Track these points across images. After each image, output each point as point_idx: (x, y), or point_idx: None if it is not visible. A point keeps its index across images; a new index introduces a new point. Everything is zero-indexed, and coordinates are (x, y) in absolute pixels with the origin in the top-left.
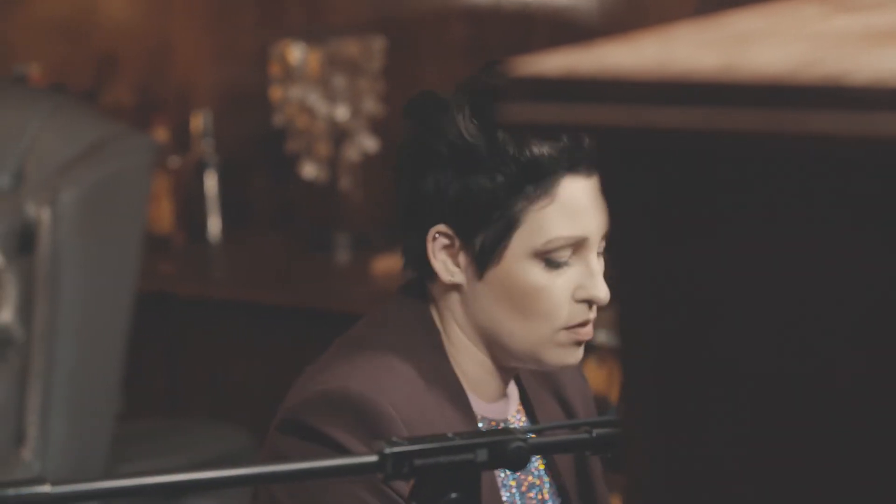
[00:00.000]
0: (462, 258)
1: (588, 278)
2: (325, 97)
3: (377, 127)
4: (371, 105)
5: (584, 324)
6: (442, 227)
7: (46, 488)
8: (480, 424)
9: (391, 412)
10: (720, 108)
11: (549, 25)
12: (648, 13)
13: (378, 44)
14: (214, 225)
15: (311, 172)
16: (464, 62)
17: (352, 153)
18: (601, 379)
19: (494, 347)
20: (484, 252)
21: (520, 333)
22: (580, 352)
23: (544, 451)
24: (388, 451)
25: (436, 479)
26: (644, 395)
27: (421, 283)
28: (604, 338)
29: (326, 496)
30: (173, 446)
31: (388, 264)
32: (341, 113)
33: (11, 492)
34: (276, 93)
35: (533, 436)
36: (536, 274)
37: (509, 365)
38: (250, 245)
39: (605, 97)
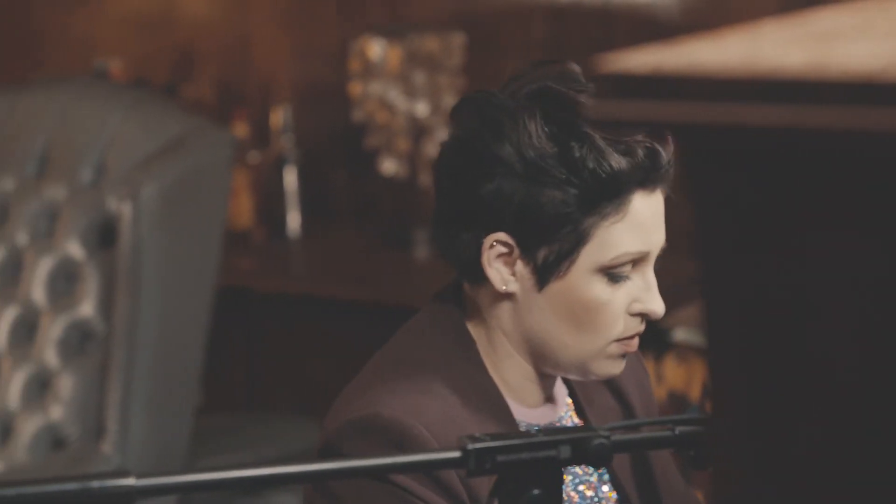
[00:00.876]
0: (520, 268)
1: (645, 292)
2: (405, 93)
3: None
4: (451, 101)
5: (634, 336)
6: (501, 236)
7: (131, 481)
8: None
9: (425, 435)
10: (808, 106)
11: (629, 22)
12: (729, 10)
13: (458, 40)
14: (294, 220)
15: (390, 168)
16: (544, 58)
17: (431, 149)
18: (680, 377)
19: (540, 357)
20: (548, 266)
21: (572, 345)
22: (624, 362)
23: (627, 448)
24: (470, 447)
25: (518, 476)
26: (733, 394)
27: (456, 290)
28: (683, 336)
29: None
30: (251, 441)
31: None
32: (421, 109)
33: (96, 484)
34: (355, 88)
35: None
36: (599, 289)
37: (552, 374)
38: (329, 241)
39: (691, 94)
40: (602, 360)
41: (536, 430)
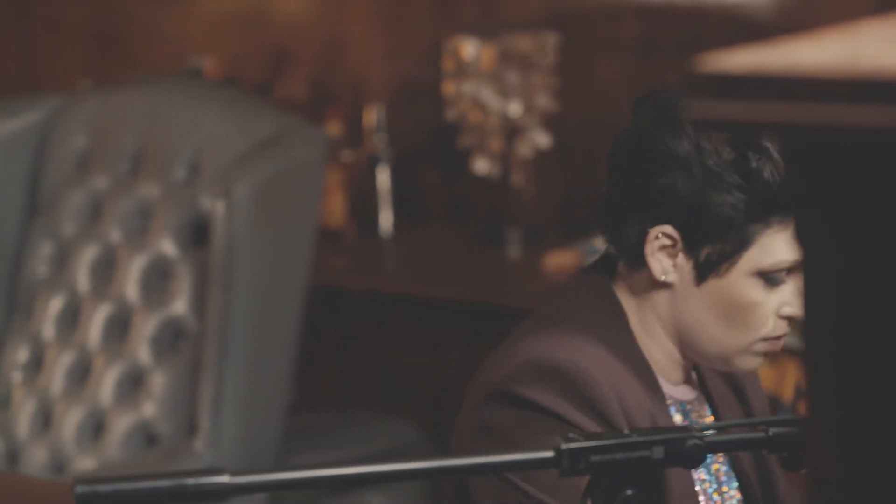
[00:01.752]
0: (681, 261)
1: (795, 296)
2: (498, 93)
3: (550, 123)
4: (544, 101)
5: (780, 337)
6: (668, 229)
7: (225, 478)
8: (670, 404)
9: (600, 377)
10: None
11: (721, 22)
12: (822, 9)
13: (551, 39)
14: (386, 219)
15: (483, 168)
16: (636, 59)
17: (524, 149)
18: (772, 378)
19: (688, 345)
20: (709, 264)
21: (721, 340)
22: (762, 360)
23: (720, 448)
24: (564, 447)
25: (612, 476)
26: (828, 395)
27: (608, 265)
28: None
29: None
30: (343, 440)
31: (560, 260)
32: (514, 108)
33: (191, 481)
34: (448, 88)
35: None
36: (755, 291)
37: (696, 361)
38: (421, 240)
39: (793, 94)
40: (746, 356)
41: (629, 431)
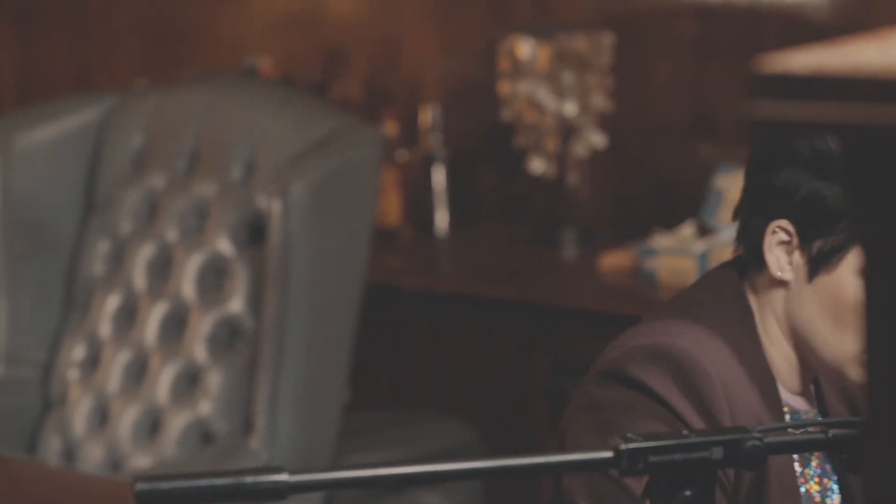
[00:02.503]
0: (796, 257)
1: None
2: (554, 92)
3: (605, 123)
4: (599, 101)
5: None
6: (784, 223)
7: (284, 477)
8: (786, 413)
9: (713, 372)
10: None
11: (777, 21)
12: (880, 10)
13: (607, 39)
14: (441, 219)
15: (538, 167)
16: (692, 59)
17: (580, 149)
18: None
19: (803, 349)
20: (820, 257)
21: (833, 343)
22: None
23: (779, 450)
24: (623, 447)
25: (670, 476)
26: (888, 398)
27: (741, 266)
28: None
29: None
30: (397, 439)
31: (615, 260)
32: (569, 108)
33: (249, 479)
34: (504, 88)
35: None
36: None
37: (813, 368)
38: (477, 239)
39: (855, 95)
40: (860, 366)
41: (687, 432)
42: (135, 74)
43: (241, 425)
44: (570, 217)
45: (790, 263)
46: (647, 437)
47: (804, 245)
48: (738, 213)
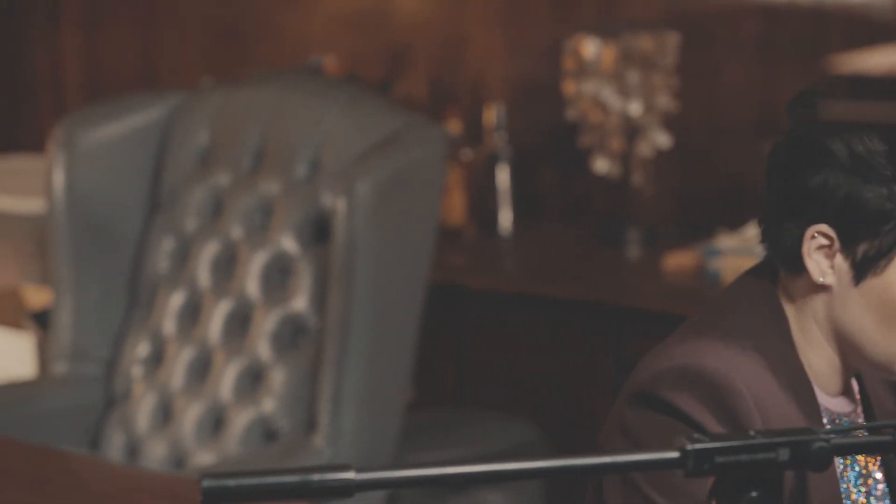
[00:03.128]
0: (838, 261)
1: None
2: (619, 92)
3: (670, 123)
4: (664, 101)
5: None
6: (824, 228)
7: (350, 474)
8: (824, 417)
9: (744, 390)
10: None
11: (843, 22)
12: None
13: (672, 39)
14: (505, 218)
15: (603, 167)
16: (757, 58)
17: (644, 149)
18: None
19: (849, 351)
20: (866, 261)
21: (883, 344)
22: None
23: (847, 452)
24: (689, 447)
25: (737, 478)
26: None
27: (772, 269)
28: None
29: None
30: (461, 438)
31: (679, 260)
32: (634, 108)
33: (316, 477)
34: (569, 87)
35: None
36: None
37: (858, 368)
38: (541, 238)
39: None
40: None
41: (754, 432)
42: (200, 72)
43: (304, 423)
44: (634, 217)
45: (832, 267)
46: (713, 438)
47: (847, 249)
48: (767, 219)
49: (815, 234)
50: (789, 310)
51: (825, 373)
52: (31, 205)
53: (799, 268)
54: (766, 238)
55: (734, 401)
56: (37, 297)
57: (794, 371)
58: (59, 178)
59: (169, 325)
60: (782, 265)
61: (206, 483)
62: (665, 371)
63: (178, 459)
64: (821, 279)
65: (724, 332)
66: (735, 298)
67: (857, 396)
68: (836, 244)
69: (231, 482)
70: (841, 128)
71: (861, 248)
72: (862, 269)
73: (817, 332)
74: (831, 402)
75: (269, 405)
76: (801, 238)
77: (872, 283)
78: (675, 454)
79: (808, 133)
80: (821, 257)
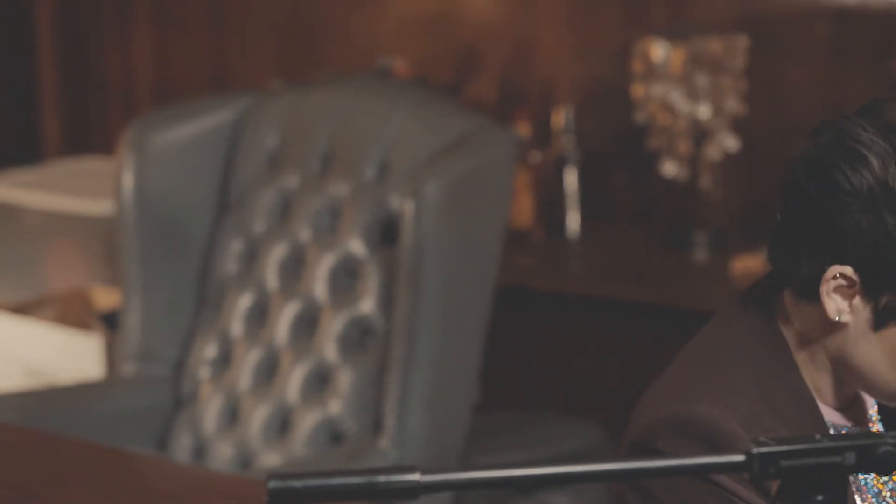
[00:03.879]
0: (857, 302)
1: None
2: (687, 95)
3: (739, 126)
4: (733, 104)
5: None
6: (848, 271)
7: (416, 476)
8: (831, 431)
9: (740, 433)
10: None
11: None
12: None
13: (741, 42)
14: (573, 220)
15: (671, 170)
16: (826, 61)
17: (713, 152)
18: None
19: (857, 382)
20: (888, 311)
21: (894, 382)
22: None
23: None
24: (755, 451)
25: (802, 481)
26: None
27: (767, 290)
28: None
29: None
30: (526, 440)
31: (747, 264)
32: (703, 111)
33: (382, 478)
34: (637, 90)
35: None
36: None
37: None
38: (608, 241)
39: None
40: None
41: (821, 436)
42: (270, 75)
43: (370, 425)
44: (702, 220)
45: (850, 308)
46: (779, 441)
47: (869, 294)
48: (780, 241)
49: (838, 275)
50: (790, 332)
51: (830, 389)
52: (101, 206)
53: (812, 298)
54: (775, 260)
55: (731, 443)
56: (106, 298)
57: (796, 393)
58: (128, 180)
59: (237, 327)
60: (793, 290)
61: (273, 484)
62: (659, 422)
63: (245, 460)
64: (837, 318)
65: (719, 365)
66: (728, 324)
67: (875, 405)
68: (858, 286)
69: (297, 483)
70: (880, 160)
71: (885, 298)
72: (883, 318)
73: (825, 360)
74: (839, 417)
75: (335, 407)
76: (820, 273)
77: (892, 332)
78: (740, 457)
79: (832, 163)
80: (839, 297)
